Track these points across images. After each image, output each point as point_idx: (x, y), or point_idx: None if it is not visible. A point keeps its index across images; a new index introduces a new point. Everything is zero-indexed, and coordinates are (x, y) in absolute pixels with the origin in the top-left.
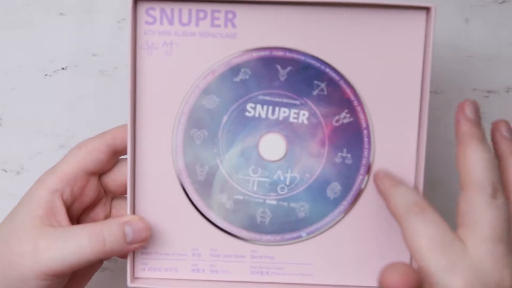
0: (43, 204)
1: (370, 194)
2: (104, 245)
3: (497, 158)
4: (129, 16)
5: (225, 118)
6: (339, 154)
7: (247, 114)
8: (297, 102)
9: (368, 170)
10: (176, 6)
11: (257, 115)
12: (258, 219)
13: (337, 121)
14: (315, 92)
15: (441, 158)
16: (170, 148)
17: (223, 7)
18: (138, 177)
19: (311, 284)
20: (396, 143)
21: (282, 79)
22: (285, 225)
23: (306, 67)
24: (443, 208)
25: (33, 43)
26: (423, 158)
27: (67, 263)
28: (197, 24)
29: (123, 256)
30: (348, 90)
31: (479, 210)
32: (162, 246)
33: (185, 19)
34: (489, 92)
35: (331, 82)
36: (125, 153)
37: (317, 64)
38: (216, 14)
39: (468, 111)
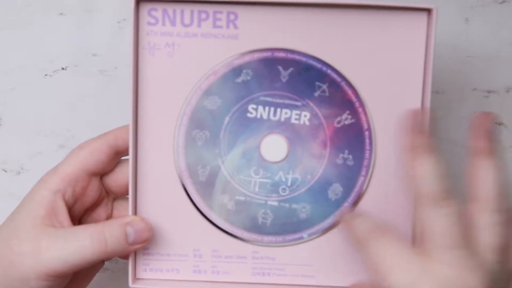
0: (45, 204)
1: (371, 196)
2: (106, 246)
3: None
4: (131, 16)
5: (227, 119)
6: (341, 155)
7: (249, 115)
8: (298, 103)
9: (370, 171)
10: (178, 7)
11: (258, 116)
12: (260, 220)
13: (339, 122)
14: (316, 93)
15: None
16: (172, 149)
17: (225, 8)
18: (139, 178)
19: (312, 285)
20: (397, 145)
21: (283, 80)
22: (286, 226)
23: (308, 68)
24: None
25: (33, 43)
26: None
27: (68, 264)
28: (199, 25)
29: (125, 257)
30: (349, 92)
31: (430, 221)
32: (164, 246)
33: (187, 20)
34: (489, 92)
35: (333, 84)
36: (127, 154)
37: (319, 65)
38: (218, 15)
39: (410, 122)
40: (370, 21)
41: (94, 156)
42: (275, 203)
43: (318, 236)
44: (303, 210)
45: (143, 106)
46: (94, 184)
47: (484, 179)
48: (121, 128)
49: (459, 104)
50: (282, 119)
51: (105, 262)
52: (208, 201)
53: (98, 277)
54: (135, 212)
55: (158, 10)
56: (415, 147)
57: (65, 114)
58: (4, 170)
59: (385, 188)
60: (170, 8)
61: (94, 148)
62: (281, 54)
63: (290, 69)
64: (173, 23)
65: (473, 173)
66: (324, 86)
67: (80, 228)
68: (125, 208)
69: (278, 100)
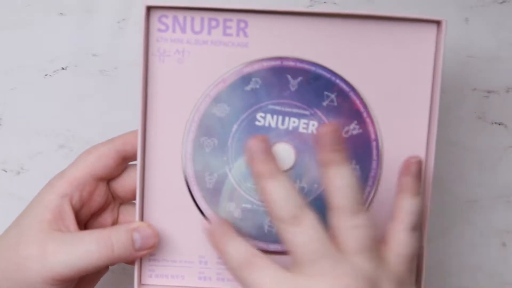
0: (52, 209)
1: (378, 206)
2: (112, 251)
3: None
4: (142, 23)
5: (235, 127)
6: None
7: (257, 123)
8: (307, 112)
9: (377, 181)
10: (189, 14)
11: (267, 124)
12: (266, 228)
13: (346, 132)
14: (325, 103)
15: (442, 158)
16: (180, 155)
17: (235, 16)
18: (147, 184)
19: None
20: (404, 156)
21: (292, 89)
22: None
23: (317, 77)
24: (444, 208)
25: (33, 43)
26: (432, 170)
27: (74, 268)
28: (209, 33)
29: (131, 262)
30: (358, 102)
31: (291, 237)
32: (170, 253)
33: (197, 27)
34: (489, 92)
35: (341, 93)
36: (134, 159)
37: (328, 75)
38: (228, 23)
39: (322, 138)
40: (380, 32)
41: (102, 161)
42: None
43: None
44: None
45: (152, 112)
46: (101, 189)
47: (334, 187)
48: (129, 133)
49: (459, 104)
50: (290, 128)
51: None
52: (214, 208)
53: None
54: (142, 218)
55: (169, 17)
56: (325, 161)
57: (65, 114)
58: (4, 170)
59: (391, 198)
60: (180, 15)
61: (101, 153)
62: (290, 63)
63: (299, 78)
64: (183, 30)
65: (325, 184)
66: (333, 96)
67: (86, 233)
68: (131, 214)
69: (287, 109)
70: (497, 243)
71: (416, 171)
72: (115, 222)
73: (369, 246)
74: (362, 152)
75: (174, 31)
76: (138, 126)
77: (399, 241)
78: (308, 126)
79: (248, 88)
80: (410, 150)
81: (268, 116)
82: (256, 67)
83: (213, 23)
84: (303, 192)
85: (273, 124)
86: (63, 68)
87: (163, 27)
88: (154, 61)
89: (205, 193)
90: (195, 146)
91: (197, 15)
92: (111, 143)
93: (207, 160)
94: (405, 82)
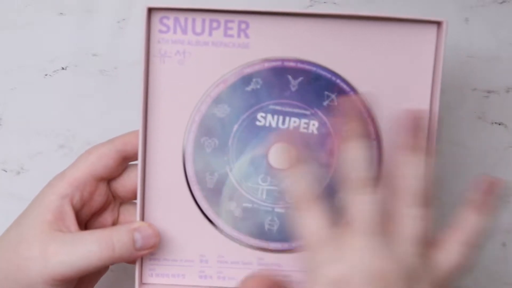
0: (52, 209)
1: None
2: (113, 251)
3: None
4: (143, 24)
5: (235, 127)
6: None
7: (257, 123)
8: (307, 112)
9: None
10: (190, 16)
11: (267, 124)
12: (266, 227)
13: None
14: (325, 103)
15: (442, 157)
16: (181, 155)
17: (237, 17)
18: (148, 183)
19: None
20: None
21: (293, 89)
22: (293, 233)
23: (317, 78)
24: (445, 206)
25: (33, 43)
26: (432, 166)
27: (75, 268)
28: (210, 34)
29: (131, 262)
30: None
31: (352, 205)
32: (170, 252)
33: (198, 29)
34: (489, 92)
35: (342, 93)
36: (135, 159)
37: (328, 75)
38: (230, 24)
39: (347, 108)
40: (380, 32)
41: (102, 161)
42: (282, 211)
43: None
44: None
45: (152, 113)
46: (102, 189)
47: (407, 174)
48: (130, 133)
49: (459, 104)
50: (291, 128)
51: None
52: (215, 207)
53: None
54: (142, 218)
55: (170, 18)
56: (346, 131)
57: (65, 114)
58: (4, 170)
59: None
60: (181, 16)
61: (102, 153)
62: (291, 64)
63: (300, 79)
64: (184, 32)
65: (398, 167)
66: (333, 96)
67: (87, 233)
68: (131, 213)
69: (287, 109)
70: (497, 243)
71: (495, 190)
72: (115, 222)
73: (421, 241)
74: None
75: (175, 32)
76: (139, 127)
77: (455, 251)
78: (309, 126)
79: (248, 88)
80: None
81: (269, 116)
82: (257, 67)
83: (214, 24)
84: None
85: (273, 124)
86: (63, 68)
87: (164, 28)
88: (155, 62)
89: (205, 192)
90: (195, 146)
91: (198, 16)
92: (112, 143)
93: (208, 160)
94: (405, 83)
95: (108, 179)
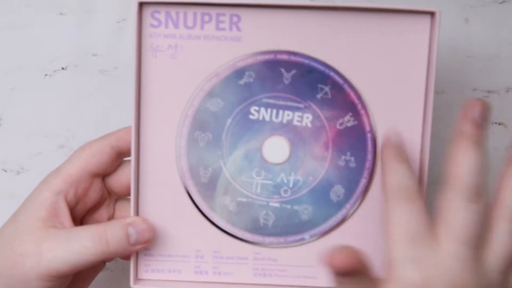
0: (47, 206)
1: (373, 197)
2: (108, 246)
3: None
4: (134, 18)
5: (229, 121)
6: (343, 157)
7: (251, 117)
8: (301, 105)
9: (372, 173)
10: (181, 10)
11: (261, 118)
12: (261, 221)
13: (341, 124)
14: (319, 96)
15: (442, 157)
16: (174, 150)
17: (228, 11)
18: (141, 179)
19: (314, 287)
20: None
21: (286, 82)
22: (288, 228)
23: (310, 70)
24: None
25: (33, 43)
26: (427, 161)
27: (70, 264)
28: (202, 27)
29: (126, 257)
30: (352, 94)
31: (456, 211)
32: (165, 247)
33: (190, 22)
34: (489, 92)
35: (335, 86)
36: (129, 155)
37: (321, 68)
38: (221, 18)
39: (475, 111)
40: (373, 24)
41: (96, 157)
42: (277, 205)
43: (319, 238)
44: (305, 211)
45: (145, 108)
46: (96, 185)
47: (461, 164)
48: (123, 129)
49: (459, 104)
50: (284, 121)
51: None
52: (210, 202)
53: (98, 276)
54: (137, 213)
55: (161, 12)
56: (466, 135)
57: (65, 114)
58: (4, 170)
59: None
60: (173, 10)
61: (96, 149)
62: (284, 57)
63: (293, 71)
64: (176, 25)
65: (452, 156)
66: (327, 88)
67: (82, 229)
68: (127, 209)
69: (281, 102)
70: None
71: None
72: (111, 218)
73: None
74: (357, 144)
75: (166, 26)
76: (131, 122)
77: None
78: (303, 118)
79: (241, 82)
80: (405, 141)
81: (262, 109)
82: (249, 61)
83: (206, 18)
84: (298, 185)
85: (267, 118)
86: (63, 68)
87: (155, 23)
88: (147, 56)
89: (200, 187)
90: (189, 141)
91: (190, 10)
92: (106, 139)
93: (202, 155)
94: (399, 74)
95: (103, 175)
